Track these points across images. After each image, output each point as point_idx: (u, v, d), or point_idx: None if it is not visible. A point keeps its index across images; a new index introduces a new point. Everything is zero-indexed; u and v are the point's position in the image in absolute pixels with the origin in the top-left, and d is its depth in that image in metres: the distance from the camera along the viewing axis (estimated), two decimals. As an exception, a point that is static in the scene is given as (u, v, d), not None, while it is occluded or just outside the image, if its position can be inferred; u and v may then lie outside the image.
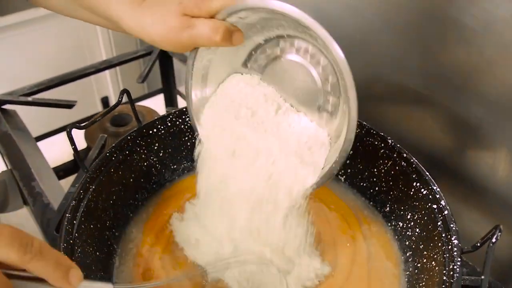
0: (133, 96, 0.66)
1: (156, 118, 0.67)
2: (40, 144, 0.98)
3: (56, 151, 0.98)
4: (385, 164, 0.64)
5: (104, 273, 0.56)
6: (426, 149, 0.71)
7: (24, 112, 0.91)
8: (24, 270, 0.34)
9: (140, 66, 1.42)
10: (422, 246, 0.58)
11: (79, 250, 0.52)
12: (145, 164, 0.67)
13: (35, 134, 0.96)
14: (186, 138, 0.70)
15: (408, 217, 0.62)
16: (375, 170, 0.66)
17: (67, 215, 0.53)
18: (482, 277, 0.47)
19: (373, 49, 0.72)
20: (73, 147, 0.58)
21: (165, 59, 1.08)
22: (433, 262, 0.55)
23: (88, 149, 0.92)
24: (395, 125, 0.74)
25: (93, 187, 0.58)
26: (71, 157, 0.93)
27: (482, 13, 0.56)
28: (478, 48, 0.58)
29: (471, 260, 0.62)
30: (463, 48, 0.60)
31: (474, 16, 0.57)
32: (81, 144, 0.98)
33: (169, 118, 0.68)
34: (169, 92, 1.15)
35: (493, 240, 0.48)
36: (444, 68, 0.63)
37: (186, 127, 0.69)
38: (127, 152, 0.64)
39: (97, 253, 0.57)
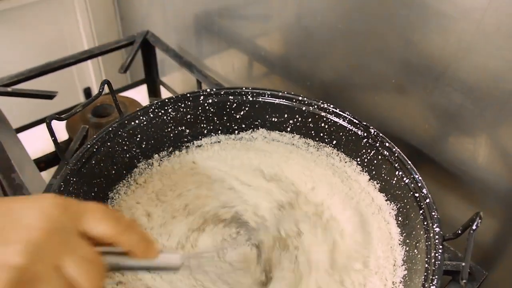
0: (116, 87, 0.65)
1: (138, 109, 0.66)
2: (21, 135, 0.96)
3: (38, 142, 0.96)
4: (368, 154, 0.65)
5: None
6: (407, 137, 0.71)
7: (3, 103, 0.89)
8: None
9: (122, 56, 1.40)
10: (405, 234, 0.59)
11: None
12: (127, 155, 0.66)
13: (15, 125, 0.94)
14: (169, 129, 0.69)
15: (391, 206, 0.62)
16: (358, 159, 0.66)
17: (47, 208, 0.52)
18: (463, 264, 0.48)
19: (354, 38, 0.71)
20: (53, 138, 0.57)
21: (147, 49, 1.07)
22: (415, 250, 0.55)
23: (69, 140, 0.91)
24: (376, 114, 0.74)
25: (74, 179, 0.57)
26: (52, 149, 0.92)
27: (460, 0, 0.56)
28: (457, 35, 0.58)
29: (453, 245, 0.63)
30: (442, 36, 0.60)
31: (453, 3, 0.57)
32: (63, 135, 0.97)
33: (151, 109, 0.67)
34: (152, 82, 1.13)
35: (474, 227, 0.48)
36: (424, 56, 0.63)
37: (169, 118, 0.68)
38: (108, 144, 0.63)
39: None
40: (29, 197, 0.36)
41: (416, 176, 0.58)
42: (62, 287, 0.33)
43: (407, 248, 0.58)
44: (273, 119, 0.71)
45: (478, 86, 0.59)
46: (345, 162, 0.68)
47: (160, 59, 1.12)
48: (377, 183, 0.64)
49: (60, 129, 0.99)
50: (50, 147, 0.92)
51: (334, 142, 0.68)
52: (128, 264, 0.39)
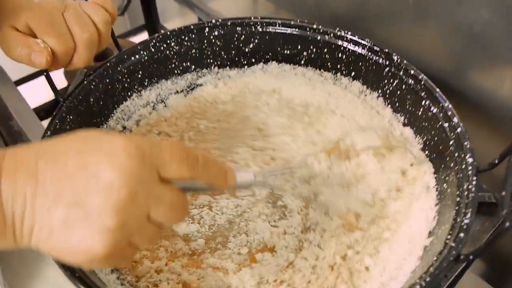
0: (116, 33, 0.62)
1: (138, 43, 0.61)
2: (22, 88, 0.92)
3: (38, 95, 0.92)
4: (391, 84, 0.59)
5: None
6: (428, 67, 0.65)
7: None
8: None
9: None
10: (433, 170, 0.54)
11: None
12: (128, 93, 0.61)
13: (14, 77, 0.90)
14: (173, 65, 0.64)
15: (416, 139, 0.57)
16: (380, 91, 0.61)
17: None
18: (503, 193, 0.43)
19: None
20: (45, 73, 0.52)
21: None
22: (444, 185, 0.51)
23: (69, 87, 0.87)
24: (393, 45, 0.67)
25: (71, 117, 0.53)
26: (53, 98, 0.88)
27: None
28: None
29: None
30: None
31: None
32: (63, 83, 0.93)
33: (152, 43, 0.62)
34: (153, 28, 1.09)
35: (514, 154, 0.43)
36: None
37: (172, 52, 0.63)
38: (107, 80, 0.58)
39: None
40: (101, 148, 0.33)
41: (446, 104, 0.53)
42: (154, 232, 0.36)
43: (435, 183, 0.53)
44: (285, 52, 0.65)
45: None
46: (365, 95, 0.62)
47: (161, 8, 1.06)
48: (401, 116, 0.59)
49: (60, 78, 0.95)
50: (50, 98, 0.89)
51: (353, 73, 0.63)
52: (208, 189, 0.40)
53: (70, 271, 0.40)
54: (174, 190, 0.36)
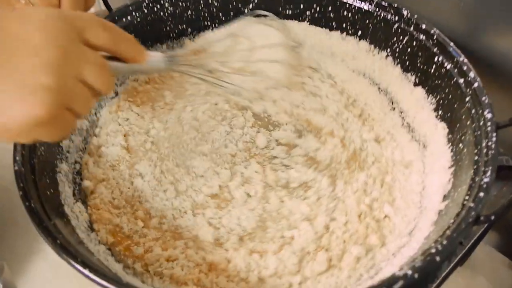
0: (114, 7, 0.59)
1: (129, 3, 0.57)
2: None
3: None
4: (400, 41, 0.55)
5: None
6: (441, 28, 0.61)
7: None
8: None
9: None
10: (447, 131, 0.51)
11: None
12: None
13: None
14: (168, 27, 0.61)
15: (428, 99, 0.53)
16: (389, 50, 0.57)
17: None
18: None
19: None
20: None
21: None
22: (460, 145, 0.47)
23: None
24: (404, 3, 0.64)
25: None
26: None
27: None
28: None
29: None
30: None
31: None
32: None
33: (145, 3, 0.58)
34: (152, 2, 1.04)
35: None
36: None
37: (167, 14, 0.60)
38: (97, 43, 0.54)
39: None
40: (23, 12, 0.34)
41: (460, 59, 0.49)
42: (89, 95, 0.36)
43: (450, 145, 0.49)
44: (288, 11, 0.62)
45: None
46: (373, 55, 0.59)
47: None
48: (412, 75, 0.55)
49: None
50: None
51: (360, 32, 0.59)
52: (124, 68, 0.41)
53: (52, 237, 0.37)
54: (98, 53, 0.37)
